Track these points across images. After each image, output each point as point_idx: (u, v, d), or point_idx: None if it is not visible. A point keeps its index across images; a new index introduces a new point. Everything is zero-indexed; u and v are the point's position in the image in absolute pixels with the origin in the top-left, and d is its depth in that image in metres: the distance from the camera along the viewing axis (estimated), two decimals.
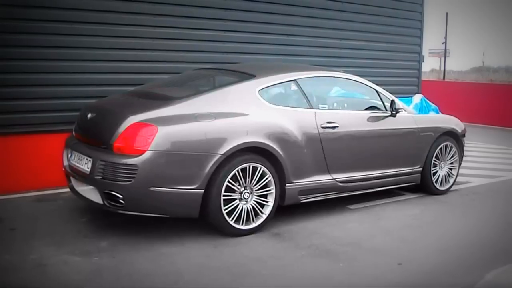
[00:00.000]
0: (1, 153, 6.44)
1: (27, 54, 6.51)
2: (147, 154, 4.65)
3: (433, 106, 10.30)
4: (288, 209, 5.66)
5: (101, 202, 4.89)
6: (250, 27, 8.37)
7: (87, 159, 5.00)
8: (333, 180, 5.77)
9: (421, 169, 6.69)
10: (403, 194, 6.87)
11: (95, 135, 5.21)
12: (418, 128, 6.59)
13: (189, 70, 7.00)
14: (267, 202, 5.25)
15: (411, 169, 6.59)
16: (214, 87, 5.85)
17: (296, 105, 5.70)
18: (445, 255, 4.85)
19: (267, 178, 5.20)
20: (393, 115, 6.31)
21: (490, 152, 10.62)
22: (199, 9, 7.80)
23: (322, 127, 5.65)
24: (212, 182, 4.87)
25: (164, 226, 5.24)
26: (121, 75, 7.20)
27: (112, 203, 4.79)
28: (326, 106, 6.11)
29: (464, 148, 7.40)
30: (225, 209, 4.96)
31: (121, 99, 5.74)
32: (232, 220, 5.01)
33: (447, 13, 46.53)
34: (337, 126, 5.76)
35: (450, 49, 48.33)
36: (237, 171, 5.00)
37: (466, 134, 7.36)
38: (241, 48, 8.29)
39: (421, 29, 10.98)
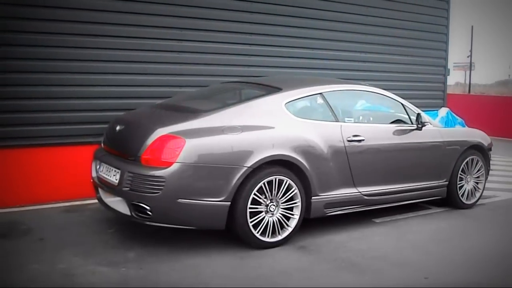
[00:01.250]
0: (32, 164, 6.56)
1: (52, 67, 6.62)
2: (174, 166, 4.69)
3: (459, 119, 10.23)
4: (314, 222, 5.66)
5: (128, 213, 4.94)
6: (275, 41, 8.41)
7: (115, 170, 5.07)
8: (359, 193, 5.77)
9: (447, 183, 6.65)
10: (429, 208, 6.83)
11: (123, 147, 5.28)
12: (444, 141, 6.56)
13: (215, 83, 7.07)
14: (293, 215, 5.26)
15: (437, 183, 6.56)
16: (241, 100, 5.88)
17: (322, 118, 5.71)
18: (472, 269, 4.81)
19: (293, 191, 5.21)
20: (419, 129, 6.29)
21: None
22: (224, 23, 7.87)
23: (348, 140, 5.65)
24: (239, 194, 4.90)
25: (191, 238, 5.28)
26: (150, 88, 7.30)
27: (140, 214, 4.84)
28: (352, 119, 6.10)
29: (491, 162, 7.33)
30: (251, 222, 4.97)
31: (149, 112, 5.81)
32: (258, 232, 5.03)
33: (472, 26, 46.12)
34: (363, 140, 5.76)
35: (475, 62, 47.85)
36: (263, 183, 5.02)
37: (492, 148, 7.29)
38: (266, 62, 8.34)
39: (446, 43, 10.92)
